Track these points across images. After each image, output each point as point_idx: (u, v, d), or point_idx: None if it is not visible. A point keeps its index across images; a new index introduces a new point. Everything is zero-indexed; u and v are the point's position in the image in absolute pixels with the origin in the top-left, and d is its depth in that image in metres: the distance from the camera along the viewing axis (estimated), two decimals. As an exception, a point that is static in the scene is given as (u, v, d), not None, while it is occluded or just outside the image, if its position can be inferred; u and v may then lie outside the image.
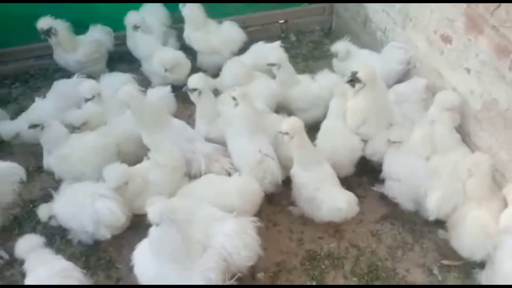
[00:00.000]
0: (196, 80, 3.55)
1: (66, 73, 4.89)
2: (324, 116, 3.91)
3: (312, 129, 3.77)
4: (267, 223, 3.58)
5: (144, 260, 2.81)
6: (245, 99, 3.48)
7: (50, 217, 3.36)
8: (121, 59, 4.98)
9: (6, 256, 3.37)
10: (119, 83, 3.88)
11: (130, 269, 3.01)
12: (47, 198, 3.52)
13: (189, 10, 4.52)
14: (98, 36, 4.66)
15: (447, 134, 3.48)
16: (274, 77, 4.14)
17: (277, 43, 4.48)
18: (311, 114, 4.05)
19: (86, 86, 3.84)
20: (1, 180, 3.29)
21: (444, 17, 3.55)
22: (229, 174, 3.54)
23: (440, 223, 3.42)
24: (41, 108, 4.00)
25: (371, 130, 3.71)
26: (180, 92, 4.03)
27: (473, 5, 3.22)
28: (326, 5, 5.41)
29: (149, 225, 2.82)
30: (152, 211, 2.69)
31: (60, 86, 4.18)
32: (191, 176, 3.60)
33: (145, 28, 4.47)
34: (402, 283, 3.27)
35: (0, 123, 3.99)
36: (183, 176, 3.50)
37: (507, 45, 2.99)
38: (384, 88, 3.91)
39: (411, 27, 3.97)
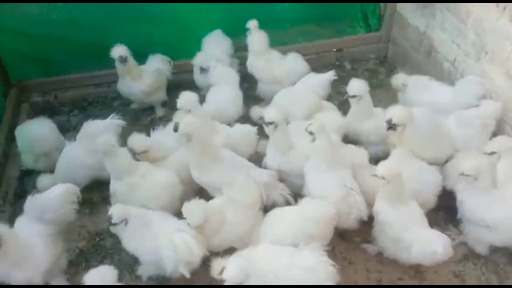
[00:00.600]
0: (273, 114, 3.47)
1: (125, 101, 4.94)
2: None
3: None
4: (342, 261, 3.46)
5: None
6: (323, 132, 3.40)
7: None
8: (178, 87, 4.96)
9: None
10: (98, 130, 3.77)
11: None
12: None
13: (255, 38, 4.53)
14: (158, 65, 4.66)
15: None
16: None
17: (331, 73, 4.38)
18: (380, 148, 3.96)
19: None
20: (63, 200, 3.25)
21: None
22: (288, 200, 3.51)
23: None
24: (71, 153, 3.88)
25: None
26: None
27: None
28: (383, 33, 5.35)
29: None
30: (230, 271, 2.64)
31: (90, 127, 3.92)
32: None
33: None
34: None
35: (40, 178, 3.87)
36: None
37: None
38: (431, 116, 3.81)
39: (487, 60, 3.87)
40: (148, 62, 4.64)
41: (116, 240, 3.35)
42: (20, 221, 3.22)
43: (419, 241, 3.13)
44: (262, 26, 4.97)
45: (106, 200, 3.82)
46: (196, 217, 3.03)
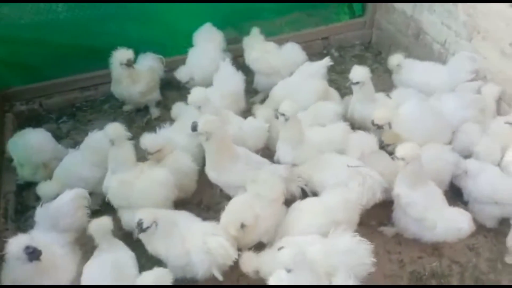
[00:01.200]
0: (286, 106, 3.46)
1: (116, 103, 4.78)
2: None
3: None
4: (363, 246, 3.52)
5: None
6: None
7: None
8: (169, 85, 4.86)
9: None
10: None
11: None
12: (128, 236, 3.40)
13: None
14: (151, 64, 4.53)
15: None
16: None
17: (327, 59, 4.38)
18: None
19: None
20: (76, 205, 3.18)
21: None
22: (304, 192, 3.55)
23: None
24: (71, 162, 3.74)
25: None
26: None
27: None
28: (367, 18, 5.43)
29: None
30: (285, 256, 2.62)
31: (94, 139, 3.76)
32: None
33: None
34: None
35: (40, 185, 3.65)
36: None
37: None
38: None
39: (479, 39, 4.00)
40: (140, 61, 4.49)
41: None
42: (34, 234, 3.06)
43: (443, 220, 3.24)
44: (249, 17, 4.98)
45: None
46: (234, 227, 3.04)
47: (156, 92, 4.63)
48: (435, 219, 3.23)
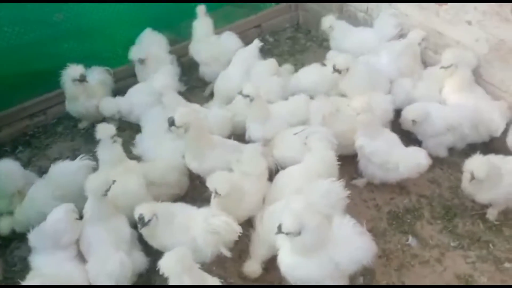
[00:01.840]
0: (250, 88, 3.70)
1: (69, 123, 4.76)
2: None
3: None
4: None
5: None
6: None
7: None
8: (122, 94, 4.86)
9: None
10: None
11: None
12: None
13: (202, 23, 4.86)
14: (100, 77, 4.56)
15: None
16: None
17: (256, 41, 4.73)
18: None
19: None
20: (71, 220, 3.21)
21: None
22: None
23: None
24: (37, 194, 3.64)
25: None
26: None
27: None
28: (291, 2, 5.79)
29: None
30: (290, 219, 2.81)
31: (57, 171, 3.70)
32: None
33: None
34: (474, 213, 3.74)
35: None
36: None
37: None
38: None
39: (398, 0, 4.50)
40: (89, 76, 4.46)
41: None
42: (35, 259, 3.09)
43: (403, 159, 3.68)
44: (183, 15, 5.13)
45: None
46: (224, 185, 3.17)
47: (112, 103, 4.63)
48: (396, 160, 3.65)
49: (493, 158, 3.50)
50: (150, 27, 4.88)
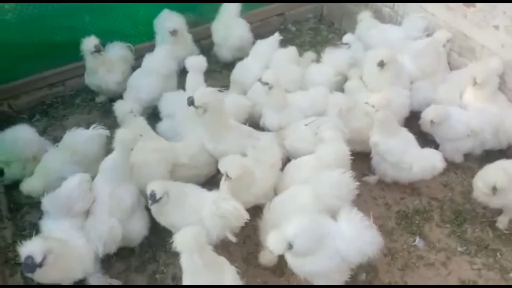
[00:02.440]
0: (269, 76, 3.68)
1: (86, 96, 4.79)
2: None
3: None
4: (352, 196, 3.83)
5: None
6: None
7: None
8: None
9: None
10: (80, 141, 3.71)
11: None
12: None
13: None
14: (121, 52, 4.55)
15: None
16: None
17: (276, 34, 4.72)
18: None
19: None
20: (85, 188, 3.25)
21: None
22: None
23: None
24: (51, 161, 3.69)
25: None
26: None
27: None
28: (317, -6, 5.75)
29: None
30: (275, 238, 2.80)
31: (71, 138, 3.74)
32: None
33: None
34: (484, 220, 3.70)
35: (24, 182, 3.66)
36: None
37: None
38: None
39: (426, -1, 4.42)
40: (110, 51, 4.49)
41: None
42: (46, 224, 3.15)
43: (418, 160, 3.63)
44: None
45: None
46: (236, 168, 3.17)
47: (128, 81, 4.64)
48: (411, 160, 3.61)
49: (505, 164, 3.45)
50: (172, 7, 4.85)
